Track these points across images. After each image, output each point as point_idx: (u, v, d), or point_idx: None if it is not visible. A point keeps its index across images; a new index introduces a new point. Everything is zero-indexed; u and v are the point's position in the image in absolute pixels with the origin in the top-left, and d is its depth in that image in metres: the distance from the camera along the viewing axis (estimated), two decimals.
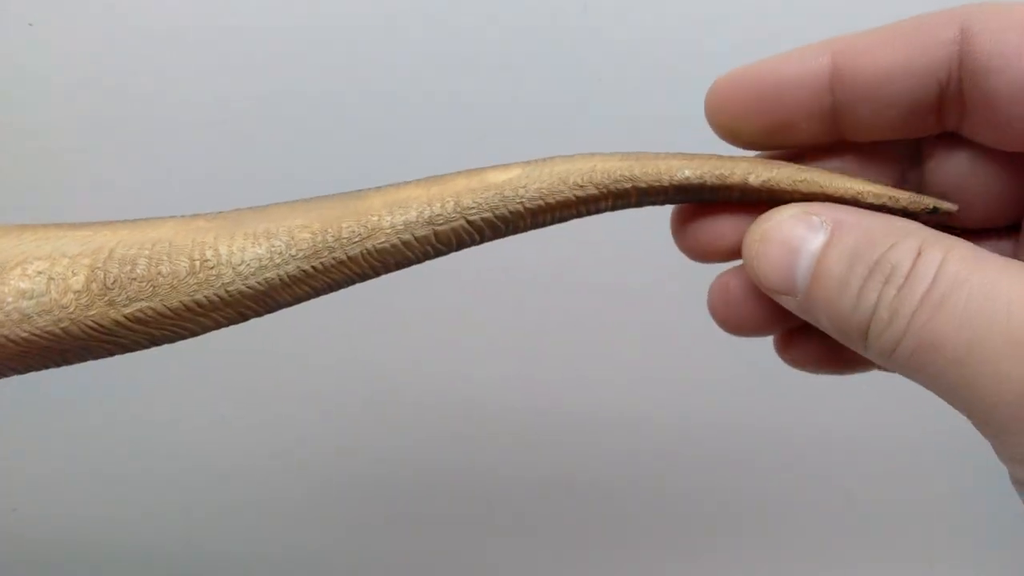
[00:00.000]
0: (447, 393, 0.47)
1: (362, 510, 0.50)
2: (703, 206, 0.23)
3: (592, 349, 0.46)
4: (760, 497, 0.49)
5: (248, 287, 0.20)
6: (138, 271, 0.20)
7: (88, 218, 0.22)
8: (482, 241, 0.21)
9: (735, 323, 0.23)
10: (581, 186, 0.21)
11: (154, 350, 0.21)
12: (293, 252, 0.20)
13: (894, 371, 0.19)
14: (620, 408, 0.47)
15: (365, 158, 0.43)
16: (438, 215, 0.21)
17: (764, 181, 0.21)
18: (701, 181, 0.21)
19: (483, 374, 0.47)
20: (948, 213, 0.21)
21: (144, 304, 0.20)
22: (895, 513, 0.49)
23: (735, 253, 0.22)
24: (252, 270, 0.20)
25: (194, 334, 0.21)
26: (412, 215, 0.21)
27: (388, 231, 0.21)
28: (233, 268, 0.20)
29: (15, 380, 0.46)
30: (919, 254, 0.18)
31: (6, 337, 0.20)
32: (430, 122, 0.43)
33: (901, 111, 0.20)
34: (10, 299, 0.20)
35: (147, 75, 0.43)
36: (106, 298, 0.20)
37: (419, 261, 0.21)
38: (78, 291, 0.20)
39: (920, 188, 0.22)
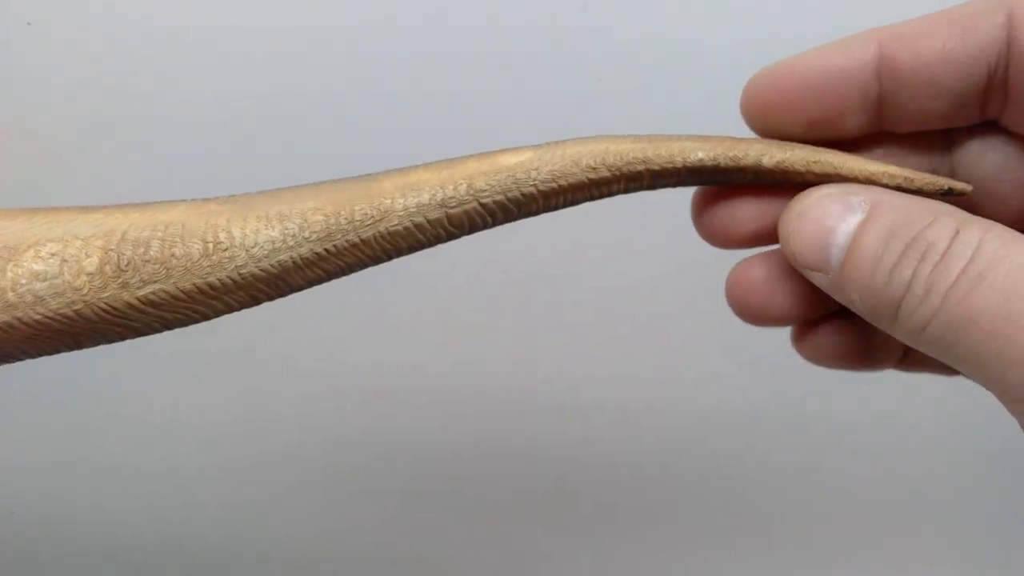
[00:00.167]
0: (458, 385, 0.47)
1: (362, 509, 0.49)
2: (723, 192, 0.23)
3: (592, 343, 0.46)
4: (760, 497, 0.49)
5: (261, 270, 0.20)
6: (151, 253, 0.20)
7: None
8: (494, 224, 0.22)
9: (753, 312, 0.23)
10: (594, 168, 0.21)
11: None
12: (306, 235, 0.20)
13: (921, 348, 0.19)
14: (621, 402, 0.47)
15: (365, 158, 0.43)
16: (451, 198, 0.21)
17: (778, 163, 0.21)
18: (715, 163, 0.21)
19: (485, 370, 0.47)
20: (963, 194, 0.21)
21: (158, 286, 0.20)
22: (895, 513, 0.49)
23: (755, 239, 0.23)
24: (265, 252, 0.20)
25: (206, 318, 0.21)
26: (425, 198, 0.21)
27: (401, 214, 0.21)
28: (246, 250, 0.20)
29: (14, 380, 0.46)
30: (956, 233, 0.18)
31: (19, 319, 0.20)
32: (430, 122, 0.43)
33: (949, 99, 0.20)
34: (23, 281, 0.19)
35: (147, 75, 0.43)
36: (120, 280, 0.20)
37: (431, 244, 0.22)
38: (91, 273, 0.20)
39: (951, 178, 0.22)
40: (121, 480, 0.49)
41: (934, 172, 0.22)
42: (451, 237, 0.21)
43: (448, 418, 0.47)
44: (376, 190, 0.21)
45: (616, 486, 0.49)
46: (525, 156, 0.21)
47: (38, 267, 0.20)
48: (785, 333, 0.25)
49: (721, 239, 0.23)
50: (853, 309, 0.20)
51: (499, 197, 0.21)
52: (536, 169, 0.21)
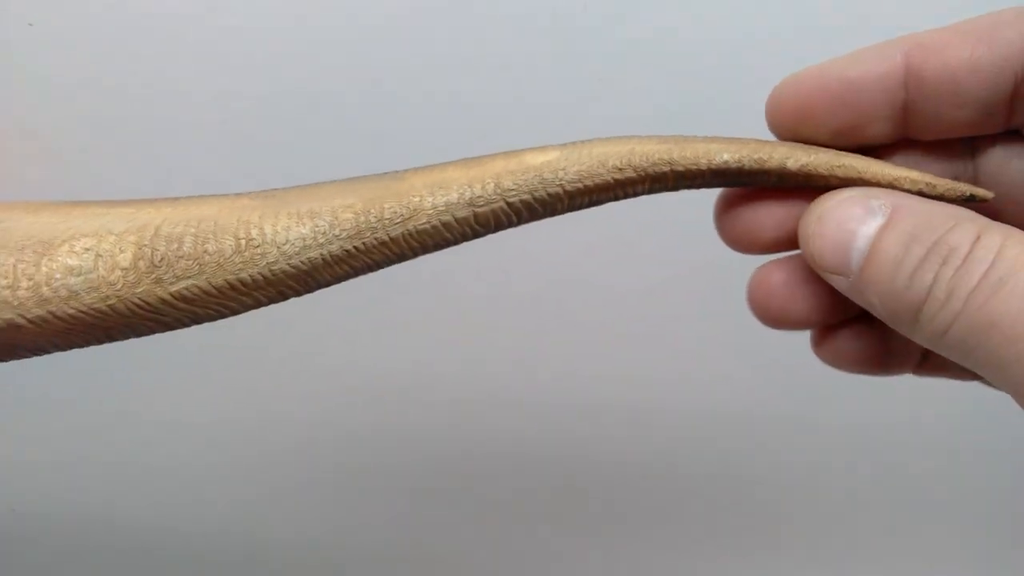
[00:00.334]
0: (469, 383, 0.47)
1: (371, 506, 0.49)
2: (747, 196, 0.23)
3: (603, 342, 0.46)
4: (769, 496, 0.49)
5: (291, 266, 0.21)
6: (184, 249, 0.20)
7: None
8: (519, 223, 0.22)
9: (773, 316, 0.23)
10: (620, 169, 0.21)
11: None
12: (336, 232, 0.21)
13: (941, 352, 0.19)
14: (630, 401, 0.47)
15: (365, 158, 0.43)
16: (479, 196, 0.21)
17: (802, 166, 0.21)
18: (739, 165, 0.21)
19: (495, 368, 0.47)
20: (984, 200, 0.21)
21: (190, 282, 0.20)
22: (905, 513, 0.50)
23: (778, 245, 0.23)
24: (296, 249, 0.21)
25: (235, 313, 0.21)
26: (453, 196, 0.21)
27: (430, 212, 0.21)
28: (278, 247, 0.20)
29: (14, 380, 0.46)
30: (978, 238, 0.18)
31: (52, 314, 0.20)
32: (430, 122, 0.43)
33: (975, 107, 0.21)
34: (58, 275, 0.20)
35: (147, 75, 0.43)
36: (153, 276, 0.20)
37: (456, 243, 0.22)
38: (125, 268, 0.20)
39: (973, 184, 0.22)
40: (129, 477, 0.49)
41: (956, 179, 0.22)
42: (476, 235, 0.22)
43: (458, 416, 0.47)
44: (405, 188, 0.21)
45: (626, 485, 0.49)
46: (552, 156, 0.21)
47: (72, 262, 0.20)
48: (795, 335, 0.25)
49: (744, 244, 0.23)
50: (873, 313, 0.20)
51: (526, 196, 0.21)
52: (563, 169, 0.21)
